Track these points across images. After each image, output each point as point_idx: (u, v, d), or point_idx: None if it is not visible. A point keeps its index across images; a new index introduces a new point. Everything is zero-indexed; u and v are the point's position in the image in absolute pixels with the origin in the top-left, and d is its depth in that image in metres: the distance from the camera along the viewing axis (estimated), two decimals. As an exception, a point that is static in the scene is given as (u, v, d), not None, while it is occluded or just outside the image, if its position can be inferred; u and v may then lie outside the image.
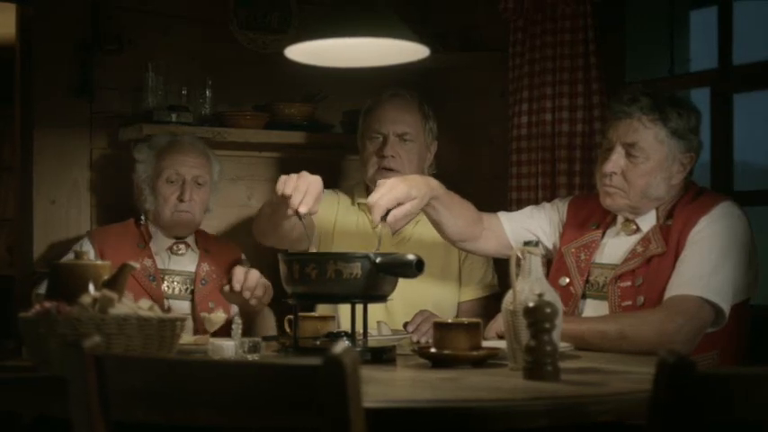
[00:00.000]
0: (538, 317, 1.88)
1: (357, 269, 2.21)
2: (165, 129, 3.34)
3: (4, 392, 1.82)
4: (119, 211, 3.41)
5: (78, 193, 3.47)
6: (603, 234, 2.75)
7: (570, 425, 1.66)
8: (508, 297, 2.11)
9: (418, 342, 2.72)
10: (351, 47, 2.41)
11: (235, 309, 2.99)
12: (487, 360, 2.16)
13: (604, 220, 2.75)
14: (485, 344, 2.24)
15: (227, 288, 2.76)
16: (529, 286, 2.08)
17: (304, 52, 2.43)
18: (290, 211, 2.47)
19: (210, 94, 3.57)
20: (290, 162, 3.83)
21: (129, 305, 1.82)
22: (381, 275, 2.24)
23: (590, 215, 2.79)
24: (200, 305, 3.03)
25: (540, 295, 1.93)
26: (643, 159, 2.59)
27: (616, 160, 2.62)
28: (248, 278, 2.74)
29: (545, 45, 3.43)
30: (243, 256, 3.24)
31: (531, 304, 1.89)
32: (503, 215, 2.90)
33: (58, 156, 3.43)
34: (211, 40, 3.70)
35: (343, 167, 3.92)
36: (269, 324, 2.90)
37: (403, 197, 2.50)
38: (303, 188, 2.44)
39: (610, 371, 2.08)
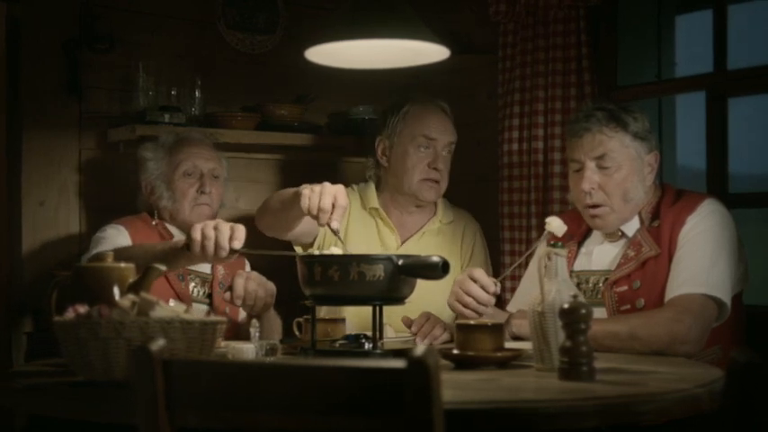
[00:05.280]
0: (574, 318, 1.89)
1: (380, 271, 2.21)
2: (157, 129, 3.30)
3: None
4: (109, 213, 3.34)
5: (67, 195, 3.42)
6: (580, 243, 2.79)
7: (618, 425, 1.68)
8: (535, 298, 2.12)
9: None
10: (369, 48, 2.40)
11: (243, 313, 2.97)
12: (511, 361, 2.17)
13: (579, 230, 2.80)
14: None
15: (227, 296, 2.73)
16: (556, 287, 2.10)
17: (320, 53, 2.42)
18: (320, 225, 2.51)
19: (200, 94, 3.54)
20: (279, 163, 3.82)
21: (167, 308, 1.80)
22: (403, 277, 2.24)
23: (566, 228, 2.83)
24: (217, 310, 2.98)
25: (575, 296, 1.95)
26: (615, 168, 2.65)
27: (590, 177, 2.67)
28: (247, 295, 2.70)
29: (537, 48, 3.46)
30: (247, 264, 3.20)
31: (566, 305, 1.91)
32: (513, 305, 2.90)
33: (46, 156, 3.38)
34: (200, 41, 3.67)
35: (330, 169, 3.91)
36: (275, 327, 2.87)
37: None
38: (329, 204, 2.45)
39: (636, 371, 2.10)
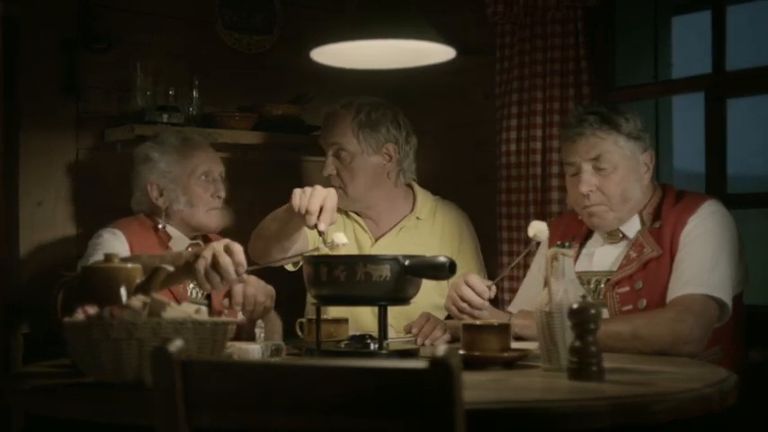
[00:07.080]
0: (584, 318, 1.90)
1: (386, 271, 2.21)
2: (155, 129, 3.29)
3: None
4: (107, 213, 3.33)
5: (65, 195, 3.40)
6: (582, 245, 2.80)
7: (630, 425, 1.68)
8: (543, 299, 2.13)
9: (423, 345, 2.73)
10: (374, 48, 2.40)
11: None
12: (518, 361, 2.18)
13: (580, 231, 2.81)
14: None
15: (226, 302, 2.72)
16: (563, 287, 2.10)
17: (326, 54, 2.42)
18: (308, 227, 2.53)
19: (197, 94, 3.53)
20: (276, 163, 3.81)
21: (179, 308, 1.80)
22: (409, 278, 2.25)
23: (566, 231, 2.84)
24: (215, 310, 2.97)
25: (584, 297, 1.96)
26: (612, 169, 2.67)
27: (588, 179, 2.69)
28: (246, 301, 2.70)
29: (535, 49, 3.46)
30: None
31: (575, 306, 1.91)
32: (515, 305, 2.92)
33: (44, 156, 3.36)
34: (198, 41, 3.67)
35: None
36: (276, 328, 2.86)
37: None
38: (316, 206, 2.49)
39: (643, 371, 2.11)
